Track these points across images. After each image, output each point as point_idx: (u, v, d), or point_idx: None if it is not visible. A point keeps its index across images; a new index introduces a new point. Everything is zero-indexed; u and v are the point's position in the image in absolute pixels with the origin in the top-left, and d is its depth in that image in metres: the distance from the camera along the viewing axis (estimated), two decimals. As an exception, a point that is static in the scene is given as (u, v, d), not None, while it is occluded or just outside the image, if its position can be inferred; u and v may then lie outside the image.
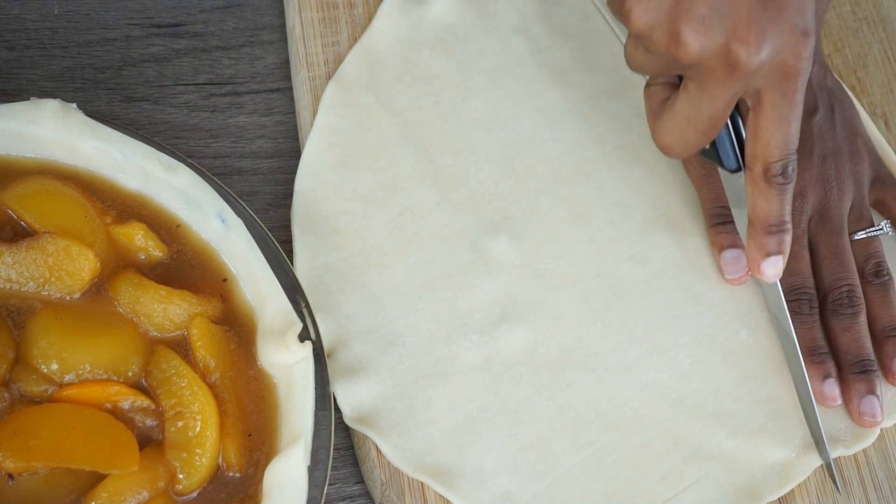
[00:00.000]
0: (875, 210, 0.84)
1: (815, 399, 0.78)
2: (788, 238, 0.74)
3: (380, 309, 0.78)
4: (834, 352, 0.80)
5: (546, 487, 0.74)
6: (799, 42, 0.67)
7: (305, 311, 0.73)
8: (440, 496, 0.74)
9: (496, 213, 0.82)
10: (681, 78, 0.72)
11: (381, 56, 0.85)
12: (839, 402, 0.78)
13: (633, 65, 0.72)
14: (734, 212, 0.78)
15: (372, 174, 0.82)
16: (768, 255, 0.74)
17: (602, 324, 0.80)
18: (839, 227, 0.81)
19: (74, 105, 0.74)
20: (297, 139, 0.84)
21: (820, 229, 0.81)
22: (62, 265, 0.70)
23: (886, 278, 0.81)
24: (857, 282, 0.80)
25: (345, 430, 0.77)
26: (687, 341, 0.80)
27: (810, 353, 0.79)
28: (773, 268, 0.75)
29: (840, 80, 0.87)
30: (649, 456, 0.76)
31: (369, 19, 0.86)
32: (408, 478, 0.74)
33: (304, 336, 0.72)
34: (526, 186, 0.83)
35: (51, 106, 0.74)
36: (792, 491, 0.77)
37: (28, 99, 0.74)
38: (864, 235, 0.82)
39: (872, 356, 0.79)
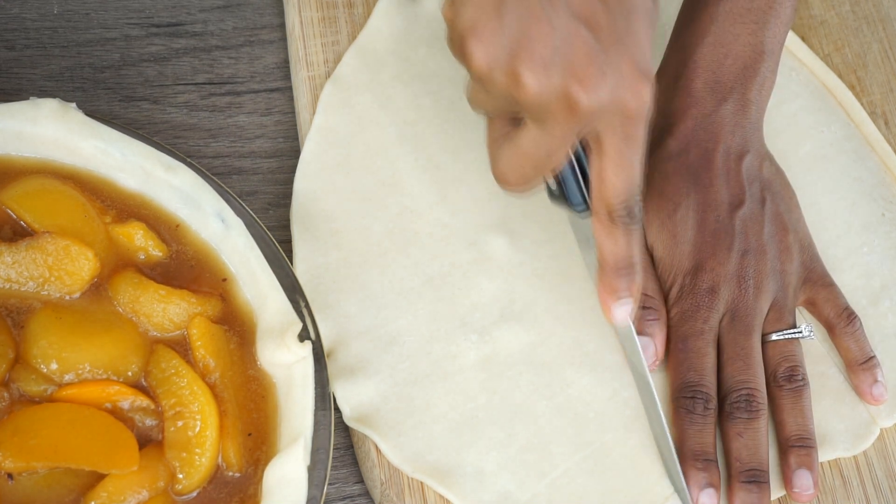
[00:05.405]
0: (806, 310, 0.81)
1: None
2: (638, 280, 0.72)
3: (379, 309, 0.78)
4: (726, 457, 0.76)
5: (546, 487, 0.75)
6: (640, 84, 0.64)
7: (305, 311, 0.73)
8: (440, 496, 0.74)
9: (495, 212, 0.82)
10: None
11: (378, 55, 0.85)
12: None
13: (474, 105, 0.69)
14: (583, 254, 0.76)
15: (371, 173, 0.82)
16: (618, 298, 0.72)
17: (601, 322, 0.79)
18: (749, 328, 0.77)
19: (74, 105, 0.74)
20: (297, 139, 0.84)
21: (729, 328, 0.77)
22: (62, 265, 0.70)
23: (800, 384, 0.77)
24: (761, 386, 0.77)
25: (344, 430, 0.77)
26: (685, 340, 0.80)
27: (694, 458, 0.75)
28: (624, 311, 0.72)
29: (781, 169, 0.82)
30: (648, 454, 0.76)
31: (368, 18, 0.86)
32: (407, 477, 0.74)
33: (303, 336, 0.72)
34: (525, 186, 0.83)
35: (50, 105, 0.74)
36: (791, 490, 0.77)
37: (28, 98, 0.74)
38: (780, 337, 0.78)
39: (765, 466, 0.75)
